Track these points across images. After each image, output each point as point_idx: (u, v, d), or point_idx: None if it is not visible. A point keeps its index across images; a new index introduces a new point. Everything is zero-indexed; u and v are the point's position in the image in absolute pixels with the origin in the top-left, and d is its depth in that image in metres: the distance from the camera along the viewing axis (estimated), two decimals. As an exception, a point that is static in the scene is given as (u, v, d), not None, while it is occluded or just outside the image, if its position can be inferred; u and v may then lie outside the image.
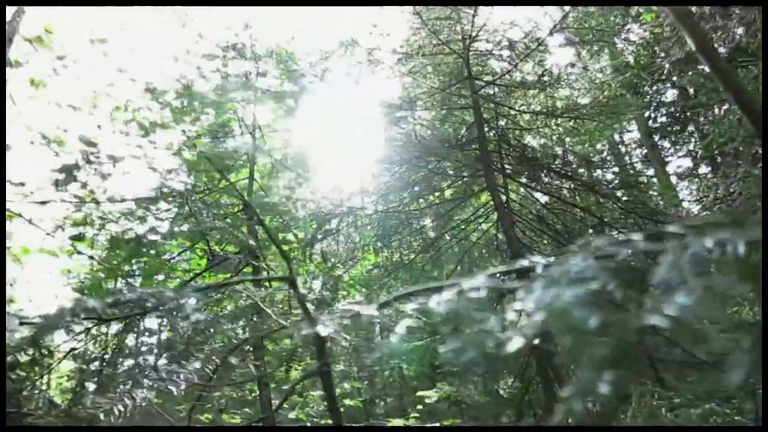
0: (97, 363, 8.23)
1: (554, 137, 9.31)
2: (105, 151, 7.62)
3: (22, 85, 10.00)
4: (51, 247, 8.83)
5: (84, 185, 7.53)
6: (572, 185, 8.36)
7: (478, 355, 0.72)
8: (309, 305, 1.46)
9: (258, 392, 7.54)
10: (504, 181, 8.08)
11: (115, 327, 7.68)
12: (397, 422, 8.08)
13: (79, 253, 8.56)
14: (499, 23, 8.27)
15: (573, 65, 11.82)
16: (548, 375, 6.45)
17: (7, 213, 7.66)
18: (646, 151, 16.89)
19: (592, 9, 9.04)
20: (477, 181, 8.43)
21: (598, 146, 14.60)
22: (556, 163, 8.39)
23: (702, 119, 13.98)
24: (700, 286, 0.63)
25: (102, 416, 1.53)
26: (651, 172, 16.12)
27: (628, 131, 17.56)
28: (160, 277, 8.72)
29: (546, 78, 8.49)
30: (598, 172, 10.51)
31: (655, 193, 11.38)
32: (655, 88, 15.80)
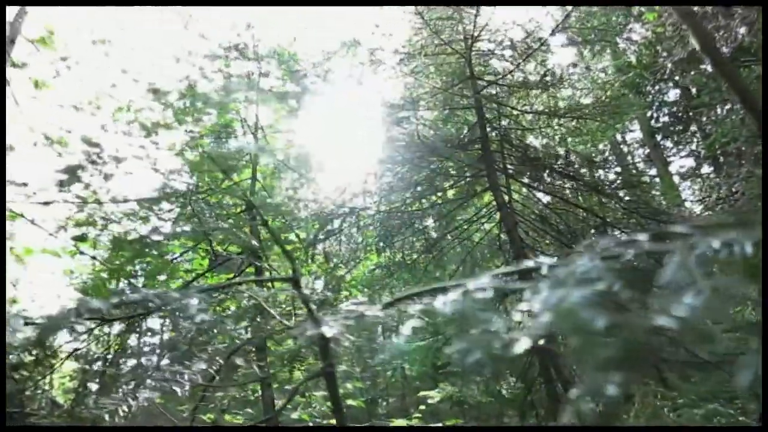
0: (99, 363, 8.24)
1: (556, 137, 9.30)
2: (108, 151, 7.64)
3: (24, 86, 10.01)
4: (54, 248, 8.84)
5: (87, 186, 7.55)
6: (575, 185, 8.35)
7: (484, 356, 0.71)
8: (311, 306, 1.46)
9: (261, 392, 7.55)
10: (506, 181, 8.07)
11: (117, 327, 7.69)
12: (400, 422, 8.08)
13: (81, 253, 8.57)
14: (501, 23, 8.27)
15: (575, 65, 11.83)
16: (551, 375, 6.44)
17: (9, 213, 7.68)
18: (648, 150, 16.88)
19: (594, 9, 9.03)
20: (479, 181, 8.42)
21: (601, 146, 14.58)
22: (559, 163, 8.37)
23: (704, 119, 13.97)
24: (709, 287, 0.62)
25: (107, 417, 1.53)
26: (653, 172, 16.11)
27: (631, 131, 17.55)
28: (162, 277, 8.73)
29: (548, 78, 8.47)
30: (601, 172, 10.50)
31: (657, 193, 11.36)
32: (657, 87, 15.79)
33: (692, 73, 12.49)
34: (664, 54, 12.04)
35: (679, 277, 0.67)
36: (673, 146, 16.63)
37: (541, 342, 0.71)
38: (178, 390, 1.64)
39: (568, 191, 8.55)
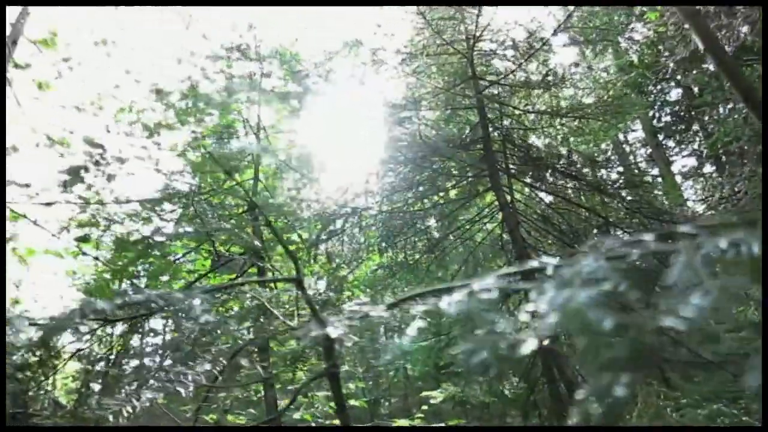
0: (102, 364, 8.25)
1: (559, 137, 9.29)
2: (110, 152, 7.64)
3: (26, 87, 10.02)
4: (56, 249, 8.86)
5: (89, 187, 7.56)
6: (577, 185, 8.35)
7: (490, 357, 0.71)
8: (315, 306, 1.46)
9: (263, 393, 7.55)
10: (509, 181, 8.07)
11: (120, 328, 7.70)
12: (402, 423, 8.07)
13: (84, 254, 8.58)
14: (503, 23, 8.26)
15: (577, 65, 11.80)
16: (553, 375, 6.43)
17: (12, 214, 7.69)
18: (650, 150, 16.85)
19: (596, 8, 9.01)
20: (481, 181, 8.41)
21: (603, 146, 14.56)
22: (561, 162, 8.37)
23: (707, 118, 13.95)
24: (716, 287, 0.62)
25: (111, 418, 1.53)
26: (655, 171, 16.08)
27: (633, 131, 17.52)
28: (165, 278, 8.74)
29: (550, 78, 8.47)
30: (603, 171, 10.49)
31: (659, 193, 11.35)
32: (659, 87, 15.77)
33: (694, 72, 12.47)
34: (666, 53, 12.04)
35: (685, 278, 0.67)
36: (675, 146, 16.60)
37: (545, 342, 0.71)
38: (182, 390, 1.64)
39: (570, 191, 8.54)
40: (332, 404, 7.47)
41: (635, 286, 0.70)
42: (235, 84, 9.16)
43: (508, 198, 7.74)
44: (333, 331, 1.10)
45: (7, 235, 8.49)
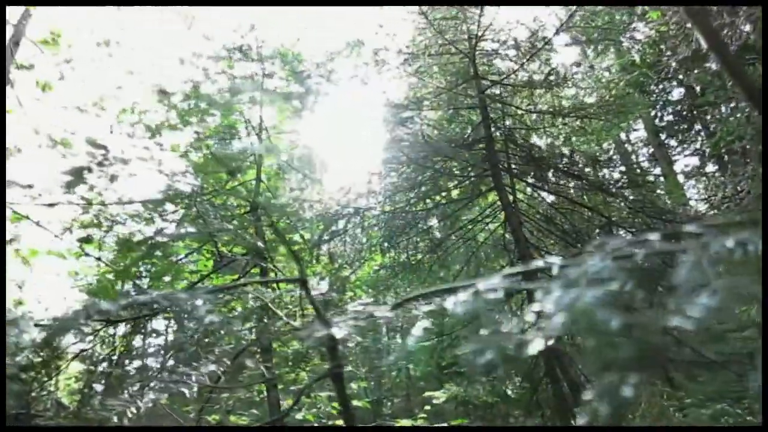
0: (105, 364, 8.25)
1: (561, 136, 9.28)
2: (113, 153, 7.64)
3: (29, 88, 10.04)
4: (59, 250, 8.87)
5: (91, 188, 7.56)
6: (579, 185, 8.34)
7: (496, 357, 0.71)
8: (320, 307, 1.46)
9: (266, 393, 7.54)
10: (511, 181, 8.06)
11: (122, 329, 7.71)
12: (405, 423, 8.07)
13: (86, 255, 8.59)
14: (505, 23, 8.26)
15: (579, 64, 11.80)
16: (557, 375, 6.42)
17: (15, 215, 7.69)
18: (652, 149, 16.84)
19: (598, 8, 9.00)
20: (484, 180, 8.41)
21: (605, 145, 14.54)
22: (563, 162, 8.36)
23: (709, 117, 13.94)
24: (724, 287, 0.62)
25: (115, 418, 1.53)
26: (658, 171, 16.06)
27: (635, 130, 17.51)
28: (167, 278, 8.73)
29: (552, 77, 8.46)
30: (605, 171, 10.48)
31: (662, 192, 11.33)
32: (661, 86, 15.76)
33: (696, 71, 12.46)
34: (668, 53, 12.03)
35: (692, 277, 0.67)
36: (677, 145, 16.59)
37: (549, 342, 0.70)
38: (186, 391, 1.64)
39: (572, 190, 8.54)
40: (335, 404, 7.48)
41: (640, 286, 0.70)
42: (237, 84, 9.17)
43: (511, 198, 7.74)
44: (338, 332, 1.10)
45: (11, 236, 8.51)
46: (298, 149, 10.15)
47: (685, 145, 16.38)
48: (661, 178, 15.25)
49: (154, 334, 14.39)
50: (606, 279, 0.73)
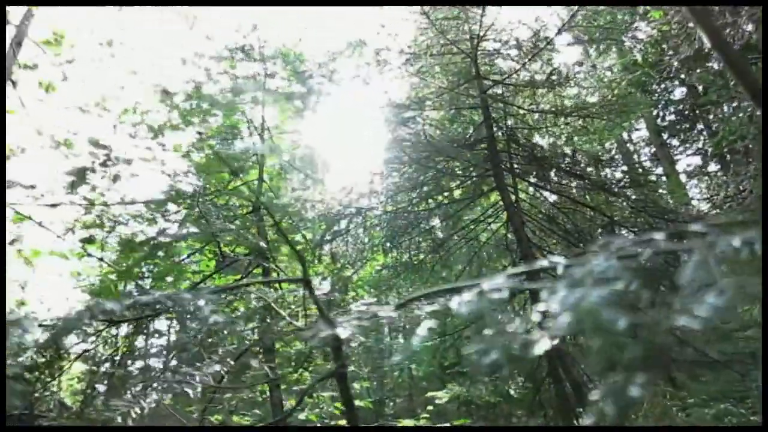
0: (107, 365, 8.26)
1: (563, 136, 9.27)
2: (115, 153, 7.66)
3: (31, 88, 10.05)
4: (61, 250, 8.88)
5: (94, 188, 7.57)
6: (581, 184, 8.33)
7: (502, 357, 0.71)
8: (323, 307, 1.46)
9: (269, 394, 7.55)
10: (513, 181, 8.06)
11: (125, 329, 7.71)
12: (407, 423, 8.07)
13: (89, 255, 8.60)
14: (507, 22, 8.25)
15: (581, 64, 11.78)
16: (559, 375, 6.42)
17: (17, 216, 7.71)
18: (654, 149, 16.83)
19: (600, 7, 9.00)
20: (486, 180, 8.40)
21: (607, 145, 14.53)
22: (565, 162, 8.35)
23: (711, 117, 13.92)
24: (731, 286, 0.62)
25: (119, 419, 1.53)
26: (660, 170, 16.06)
27: (637, 130, 17.50)
28: (169, 279, 8.74)
29: (554, 77, 8.44)
30: (607, 171, 10.47)
31: (664, 192, 11.32)
32: (663, 85, 15.75)
33: (699, 70, 12.44)
34: (670, 52, 12.01)
35: (699, 277, 0.66)
36: (679, 144, 16.58)
37: (555, 342, 0.70)
38: (189, 391, 1.64)
39: (574, 190, 8.53)
40: (337, 405, 7.48)
41: (644, 286, 0.70)
42: (240, 84, 9.17)
43: (513, 197, 7.73)
44: (343, 332, 1.10)
45: (14, 237, 8.52)
46: (300, 149, 10.17)
47: (688, 145, 16.37)
48: (663, 178, 15.25)
49: (156, 335, 14.42)
50: (611, 278, 0.73)
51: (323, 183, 9.93)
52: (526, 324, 0.77)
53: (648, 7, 10.95)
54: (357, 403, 8.80)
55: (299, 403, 5.57)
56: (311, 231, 9.25)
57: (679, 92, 16.20)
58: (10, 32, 9.62)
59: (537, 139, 9.37)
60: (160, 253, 7.65)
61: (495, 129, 8.22)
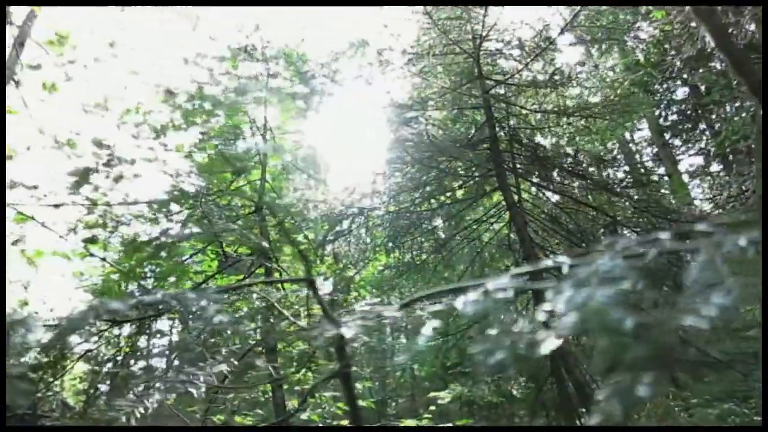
0: (110, 365, 8.27)
1: (565, 136, 9.27)
2: (117, 153, 7.67)
3: (33, 89, 10.06)
4: (64, 250, 8.88)
5: (96, 188, 7.58)
6: (584, 184, 8.33)
7: (508, 357, 0.71)
8: (327, 307, 1.46)
9: (271, 394, 7.55)
10: (516, 181, 8.06)
11: (127, 329, 7.72)
12: (410, 423, 8.07)
13: (91, 255, 8.60)
14: (510, 22, 8.25)
15: (583, 64, 11.79)
16: (562, 375, 6.41)
17: (20, 216, 7.72)
18: (657, 149, 16.82)
19: (602, 7, 8.99)
20: (488, 180, 8.40)
21: (609, 145, 14.53)
22: (568, 162, 8.35)
23: (714, 116, 13.91)
24: (738, 286, 0.62)
25: (123, 419, 1.53)
26: (662, 170, 16.04)
27: (639, 129, 17.49)
28: (172, 279, 8.74)
29: (557, 77, 8.44)
30: (610, 170, 10.47)
31: (666, 192, 11.31)
32: (665, 85, 15.74)
33: (701, 70, 12.44)
34: (673, 52, 12.00)
35: (705, 276, 0.66)
36: (682, 144, 16.57)
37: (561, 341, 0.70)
38: (193, 391, 1.64)
39: (577, 190, 8.53)
40: (340, 405, 7.48)
41: (649, 286, 0.70)
42: (242, 84, 9.18)
43: (515, 197, 7.73)
44: (347, 332, 1.10)
45: (16, 237, 8.53)
46: (302, 149, 10.16)
47: (690, 145, 16.36)
48: (666, 178, 15.23)
49: (159, 335, 14.42)
50: (617, 278, 0.73)
51: (326, 183, 9.94)
52: (531, 324, 0.77)
53: (650, 7, 10.93)
54: (359, 403, 8.81)
55: (302, 403, 5.57)
56: (314, 231, 9.25)
57: (681, 92, 16.21)
58: (13, 33, 9.64)
59: (539, 139, 9.37)
60: (163, 254, 7.65)
61: (497, 129, 8.22)
